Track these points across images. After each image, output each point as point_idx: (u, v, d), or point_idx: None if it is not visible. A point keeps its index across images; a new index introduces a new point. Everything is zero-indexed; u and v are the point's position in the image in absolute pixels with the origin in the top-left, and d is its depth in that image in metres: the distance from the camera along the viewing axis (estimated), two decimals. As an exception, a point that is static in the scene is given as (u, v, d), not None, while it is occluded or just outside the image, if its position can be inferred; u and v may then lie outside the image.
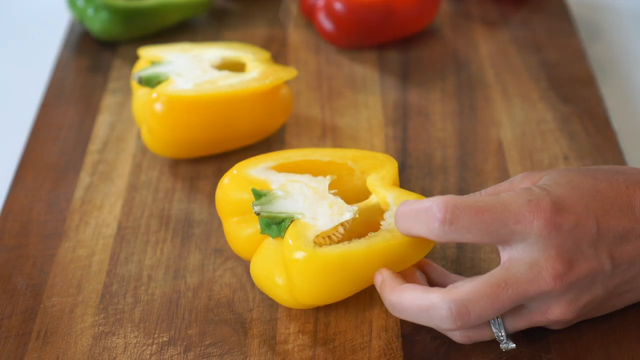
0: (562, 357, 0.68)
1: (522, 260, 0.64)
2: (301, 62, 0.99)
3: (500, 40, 1.01)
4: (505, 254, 0.65)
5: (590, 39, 1.05)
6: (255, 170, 0.72)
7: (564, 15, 1.05)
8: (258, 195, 0.70)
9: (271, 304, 0.72)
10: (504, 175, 0.84)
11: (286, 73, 0.85)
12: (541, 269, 0.63)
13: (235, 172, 0.72)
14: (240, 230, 0.71)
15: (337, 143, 0.88)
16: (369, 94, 0.94)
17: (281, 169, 0.73)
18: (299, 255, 0.66)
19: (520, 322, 0.65)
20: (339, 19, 0.98)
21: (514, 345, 0.66)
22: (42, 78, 0.99)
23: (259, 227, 0.70)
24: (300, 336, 0.70)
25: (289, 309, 0.72)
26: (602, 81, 0.97)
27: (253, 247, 0.71)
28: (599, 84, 0.95)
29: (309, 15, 1.02)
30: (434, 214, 0.64)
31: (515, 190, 0.66)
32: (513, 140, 0.88)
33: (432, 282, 0.70)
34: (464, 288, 0.63)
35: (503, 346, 0.66)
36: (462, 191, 0.82)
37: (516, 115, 0.91)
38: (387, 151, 0.87)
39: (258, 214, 0.69)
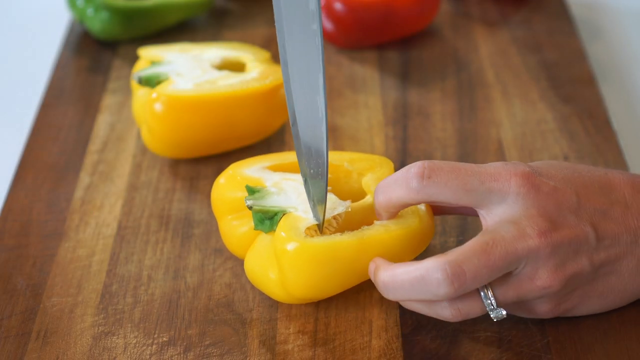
0: (562, 357, 0.68)
1: (505, 221, 0.64)
2: (301, 62, 0.99)
3: (500, 40, 1.01)
4: (487, 220, 0.66)
5: (590, 39, 1.05)
6: (250, 170, 0.72)
7: (564, 15, 1.05)
8: (251, 191, 0.70)
9: (271, 304, 0.72)
10: (504, 175, 0.84)
11: (286, 73, 0.85)
12: (525, 226, 0.64)
13: (230, 172, 0.72)
14: (235, 229, 0.71)
15: (337, 143, 0.88)
16: (369, 94, 0.94)
17: (277, 169, 0.73)
18: (290, 246, 0.66)
19: (509, 291, 0.65)
20: (339, 19, 0.98)
21: (505, 312, 0.65)
22: (42, 78, 0.99)
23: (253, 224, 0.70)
24: (300, 336, 0.70)
25: (289, 309, 0.72)
26: (602, 81, 0.97)
27: (248, 244, 0.71)
28: (599, 84, 0.95)
29: (309, 15, 1.02)
30: (412, 172, 0.65)
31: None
32: (513, 140, 0.88)
33: None
34: (455, 251, 0.64)
35: (494, 314, 0.65)
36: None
37: (516, 115, 0.91)
38: (387, 151, 0.87)
39: (250, 207, 0.69)
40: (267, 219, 0.69)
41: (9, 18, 1.14)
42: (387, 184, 0.67)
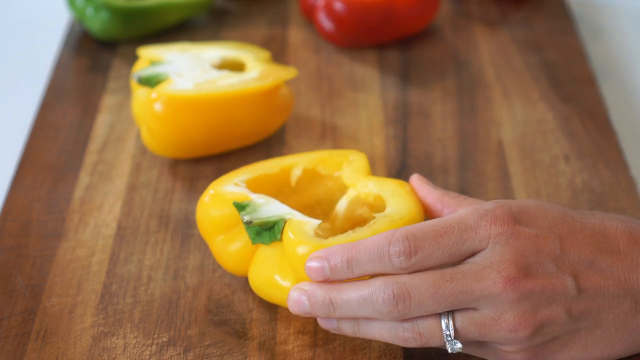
0: (563, 358, 0.68)
1: (476, 263, 0.63)
2: (301, 62, 0.99)
3: (500, 40, 1.01)
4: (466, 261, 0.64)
5: (591, 39, 1.05)
6: (230, 186, 0.72)
7: (564, 15, 1.05)
8: (240, 207, 0.69)
9: (271, 305, 0.72)
10: (504, 175, 0.84)
11: (286, 73, 0.85)
12: (493, 270, 0.62)
13: (212, 191, 0.72)
14: (228, 247, 0.71)
15: (337, 143, 0.88)
16: (369, 94, 0.94)
17: (255, 181, 0.73)
18: (303, 249, 0.66)
19: (470, 326, 0.63)
20: (339, 19, 0.97)
21: (460, 345, 0.63)
22: (42, 78, 0.99)
23: (247, 239, 0.69)
24: (300, 336, 0.70)
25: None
26: (602, 81, 0.97)
27: (245, 260, 0.70)
28: (599, 84, 0.95)
29: (309, 15, 1.02)
30: (396, 250, 0.63)
31: (473, 206, 0.65)
32: (513, 140, 0.88)
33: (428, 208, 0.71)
34: (409, 276, 0.62)
35: (449, 345, 0.63)
36: (462, 191, 0.82)
37: (516, 115, 0.91)
38: (387, 151, 0.87)
39: (250, 222, 0.68)
40: (266, 230, 0.69)
41: (9, 18, 1.13)
42: (357, 256, 0.64)
